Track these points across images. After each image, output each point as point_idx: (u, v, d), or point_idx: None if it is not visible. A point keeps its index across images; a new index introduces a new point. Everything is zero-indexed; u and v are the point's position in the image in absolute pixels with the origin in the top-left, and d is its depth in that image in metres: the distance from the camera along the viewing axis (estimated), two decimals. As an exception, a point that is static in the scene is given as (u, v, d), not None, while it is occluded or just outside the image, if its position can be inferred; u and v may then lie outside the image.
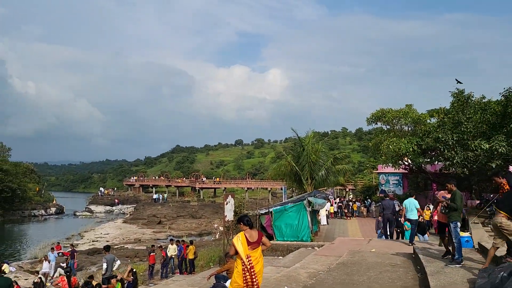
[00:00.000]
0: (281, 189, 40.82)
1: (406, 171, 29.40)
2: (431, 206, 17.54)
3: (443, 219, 8.37)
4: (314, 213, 19.10)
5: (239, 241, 5.74)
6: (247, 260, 5.64)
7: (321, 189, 25.62)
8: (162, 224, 41.56)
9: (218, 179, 74.57)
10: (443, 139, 20.67)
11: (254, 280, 5.64)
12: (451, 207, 7.75)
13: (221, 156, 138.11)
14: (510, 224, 6.38)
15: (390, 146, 23.15)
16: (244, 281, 5.60)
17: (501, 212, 6.49)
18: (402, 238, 14.73)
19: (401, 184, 32.57)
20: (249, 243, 5.73)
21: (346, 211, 29.12)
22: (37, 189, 69.39)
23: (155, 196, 64.44)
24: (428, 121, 25.47)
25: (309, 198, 16.96)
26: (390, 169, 29.44)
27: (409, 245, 11.66)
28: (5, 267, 20.63)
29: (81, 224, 43.58)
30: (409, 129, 26.79)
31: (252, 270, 5.63)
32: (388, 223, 15.15)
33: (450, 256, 8.04)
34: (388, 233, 15.18)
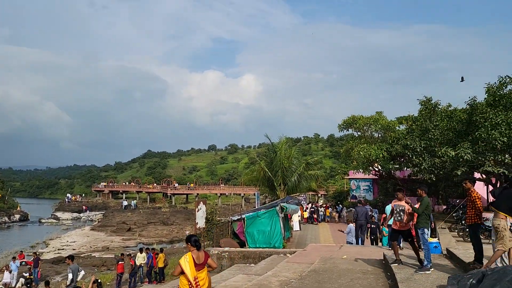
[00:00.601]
0: (254, 194, 40.79)
1: (376, 177, 29.91)
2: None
3: (396, 226, 8.42)
4: (287, 219, 19.06)
5: (186, 262, 5.68)
6: (194, 281, 5.61)
7: (294, 195, 25.68)
8: (132, 231, 40.63)
9: (192, 184, 73.78)
10: (411, 146, 21.14)
11: None
12: (416, 212, 7.91)
13: (194, 161, 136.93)
14: (505, 229, 6.40)
15: (361, 152, 23.50)
16: None
17: (500, 212, 6.51)
18: (376, 245, 14.88)
19: (372, 190, 33.10)
20: (196, 264, 5.68)
21: (315, 216, 29.34)
22: (0, 195, 66.60)
23: (125, 202, 63.04)
24: (397, 128, 26.06)
25: (282, 204, 16.91)
26: (361, 175, 29.89)
27: (388, 249, 11.84)
28: (-37, 278, 19.59)
29: (47, 232, 42.03)
30: (379, 135, 27.31)
31: None
32: (360, 230, 15.31)
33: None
34: (360, 240, 15.35)
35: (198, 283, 5.65)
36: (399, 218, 8.13)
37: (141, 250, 17.19)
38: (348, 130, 27.92)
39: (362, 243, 15.31)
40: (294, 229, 23.33)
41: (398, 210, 8.18)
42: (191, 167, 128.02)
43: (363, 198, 31.26)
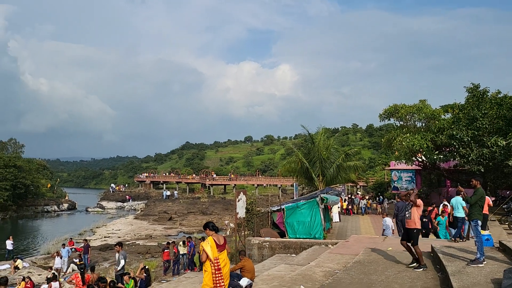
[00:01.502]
0: (292, 186, 40.61)
1: (419, 168, 28.98)
2: (447, 203, 17.19)
3: (406, 224, 8.22)
4: (327, 210, 18.89)
5: (208, 245, 6.08)
6: (215, 262, 6.01)
7: (333, 186, 25.37)
8: (173, 220, 41.67)
9: (233, 175, 74.49)
10: (458, 136, 20.28)
11: (221, 281, 6.04)
12: (469, 202, 7.65)
13: (231, 152, 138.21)
14: None
15: (403, 143, 22.80)
16: (214, 282, 5.96)
17: None
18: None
19: (414, 181, 32.13)
20: (217, 246, 6.09)
21: (350, 207, 29.01)
22: (49, 185, 70.14)
23: (167, 192, 64.49)
24: (443, 116, 25.01)
25: (322, 195, 16.74)
26: (402, 166, 29.05)
27: (462, 240, 11.59)
28: (19, 262, 20.82)
29: (93, 220, 43.90)
30: (423, 125, 26.35)
31: (219, 271, 6.01)
32: (402, 225, 14.95)
33: (416, 263, 7.95)
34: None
35: (219, 264, 6.02)
36: (407, 215, 8.07)
37: (183, 243, 17.56)
38: (389, 119, 27.12)
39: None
40: (334, 220, 23.10)
41: (407, 208, 8.11)
42: (228, 158, 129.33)
43: (405, 190, 30.43)
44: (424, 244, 11.32)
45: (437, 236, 13.99)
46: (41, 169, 73.26)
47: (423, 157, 25.03)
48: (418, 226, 8.09)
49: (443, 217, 13.59)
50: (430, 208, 15.34)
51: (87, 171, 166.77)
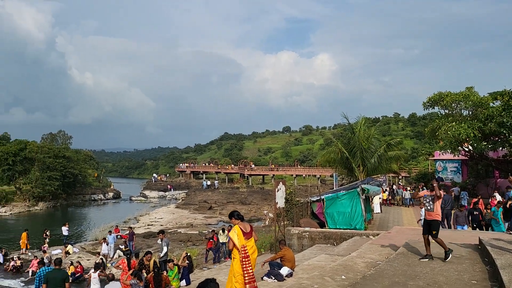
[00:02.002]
0: (331, 176, 40.18)
1: (465, 158, 27.82)
2: (497, 195, 16.45)
3: (428, 216, 8.03)
4: (368, 200, 18.58)
5: (235, 234, 6.25)
6: (243, 249, 6.16)
7: (374, 176, 24.87)
8: (213, 209, 42.46)
9: (273, 165, 74.66)
10: (508, 124, 19.26)
11: (249, 268, 6.19)
12: None
13: (269, 143, 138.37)
14: None
15: (449, 132, 21.93)
16: (243, 269, 6.13)
17: None
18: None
19: (460, 172, 30.89)
20: (244, 233, 6.26)
21: (390, 198, 28.35)
22: (96, 175, 73.34)
23: (208, 182, 65.49)
24: (491, 104, 23.78)
25: (363, 186, 16.48)
26: (448, 156, 27.98)
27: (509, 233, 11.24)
28: (69, 247, 22.01)
29: (137, 209, 45.52)
30: (469, 113, 25.20)
31: (247, 259, 6.15)
32: (446, 218, 14.59)
33: (430, 258, 7.83)
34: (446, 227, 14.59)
35: (246, 251, 6.19)
36: (430, 207, 7.93)
37: (223, 230, 17.88)
38: (433, 108, 26.10)
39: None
40: (375, 211, 22.69)
41: (429, 200, 7.98)
42: (266, 148, 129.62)
43: (450, 181, 29.36)
44: (471, 236, 10.92)
45: (489, 229, 13.41)
46: (87, 159, 76.73)
47: (470, 147, 23.98)
48: (440, 218, 8.03)
49: (498, 208, 13.00)
50: (474, 199, 14.73)
51: (130, 162, 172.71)
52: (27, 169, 50.12)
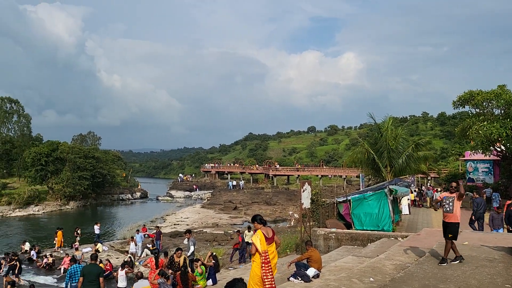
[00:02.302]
0: (357, 177, 39.68)
1: (497, 158, 26.93)
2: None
3: (446, 218, 7.79)
4: (396, 202, 18.27)
5: (257, 239, 6.25)
6: (264, 255, 6.18)
7: (402, 177, 24.42)
8: (238, 209, 42.66)
9: (299, 165, 74.33)
10: (544, 123, 18.53)
11: (269, 273, 6.20)
12: None
13: (294, 143, 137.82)
14: None
15: (480, 131, 21.31)
16: (263, 274, 6.16)
17: None
18: None
19: (492, 172, 29.90)
20: (266, 239, 6.28)
21: (418, 199, 27.76)
22: (124, 175, 74.94)
23: (233, 182, 65.65)
24: (526, 103, 22.92)
25: (391, 186, 16.21)
26: (479, 156, 27.16)
27: None
28: (99, 246, 22.58)
29: (163, 208, 46.25)
30: (502, 112, 24.37)
31: (268, 265, 6.17)
32: (478, 221, 14.19)
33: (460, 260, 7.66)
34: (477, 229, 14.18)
35: (267, 257, 6.20)
36: (448, 208, 7.74)
37: (249, 229, 17.95)
38: (463, 107, 25.39)
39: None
40: (403, 213, 22.28)
41: (448, 201, 7.76)
42: (291, 149, 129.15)
43: (482, 182, 28.49)
44: (504, 239, 10.58)
45: None
46: (116, 159, 78.42)
47: (502, 147, 23.20)
48: (458, 219, 7.77)
49: None
50: (508, 201, 14.24)
51: (157, 162, 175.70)
52: (58, 169, 51.57)
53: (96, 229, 25.75)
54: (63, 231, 24.74)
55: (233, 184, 64.24)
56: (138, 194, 64.14)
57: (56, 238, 24.08)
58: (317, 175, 65.15)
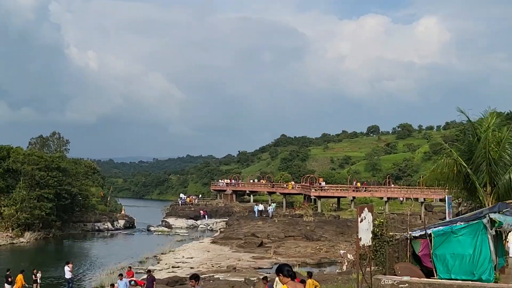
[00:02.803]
0: (442, 200, 39.10)
1: None
2: None
3: None
4: (500, 238, 17.90)
5: None
6: None
7: (510, 201, 23.92)
8: (265, 246, 42.69)
9: (359, 183, 73.77)
10: None
11: None
12: None
13: (347, 150, 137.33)
14: None
15: None
16: None
17: None
18: None
19: None
20: None
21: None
22: (101, 194, 76.30)
23: (259, 207, 64.97)
24: None
25: (492, 215, 15.92)
26: None
27: None
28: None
29: (157, 243, 46.73)
30: None
31: None
32: None
33: None
34: None
35: None
36: None
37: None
38: None
39: None
40: (510, 255, 21.86)
41: None
42: (343, 158, 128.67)
43: None
44: None
45: None
46: (90, 172, 79.93)
47: None
48: None
49: None
50: None
51: (148, 176, 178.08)
52: (9, 186, 52.50)
53: (67, 271, 26.23)
54: (25, 274, 25.27)
55: (259, 209, 63.97)
56: (122, 222, 65.19)
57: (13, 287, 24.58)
58: (382, 198, 64.50)
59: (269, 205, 67.29)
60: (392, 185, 74.49)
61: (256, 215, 62.10)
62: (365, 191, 68.92)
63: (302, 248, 41.86)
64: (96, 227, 61.05)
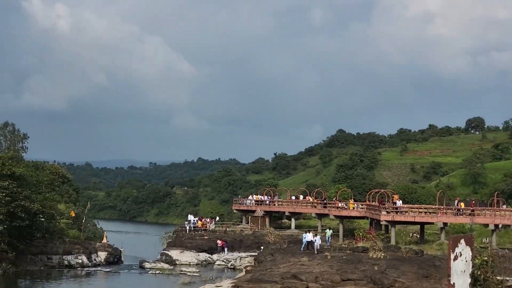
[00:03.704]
0: None
1: None
2: None
3: None
4: None
5: None
6: None
7: None
8: (311, 295, 42.61)
9: (462, 204, 73.02)
10: None
11: None
12: None
13: (435, 154, 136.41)
14: None
15: None
16: None
17: None
18: None
19: None
20: None
21: None
22: (72, 214, 76.91)
23: (307, 237, 63.84)
24: None
25: None
26: None
27: None
28: None
29: (155, 287, 46.94)
30: None
31: None
32: None
33: None
34: None
35: None
36: None
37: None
38: None
39: None
40: None
41: None
42: (429, 165, 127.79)
43: None
44: None
45: None
46: (58, 182, 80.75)
47: None
48: None
49: None
50: None
51: (142, 189, 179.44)
52: None
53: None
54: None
55: (308, 240, 62.56)
56: (103, 255, 65.69)
57: None
58: (487, 225, 63.85)
59: (313, 234, 65.17)
60: (504, 206, 73.58)
61: (303, 248, 60.98)
62: (453, 214, 68.09)
63: (368, 297, 41.73)
64: (66, 262, 61.26)
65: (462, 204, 71.68)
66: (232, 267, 61.44)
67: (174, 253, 67.73)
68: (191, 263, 63.86)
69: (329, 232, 64.96)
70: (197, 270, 59.79)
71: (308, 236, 62.76)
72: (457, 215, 67.67)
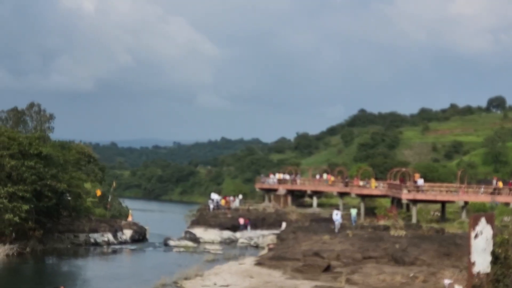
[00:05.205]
0: None
1: None
2: None
3: None
4: None
5: None
6: None
7: None
8: (333, 272, 42.48)
9: (501, 183, 72.05)
10: None
11: None
12: None
13: (457, 133, 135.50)
14: None
15: None
16: None
17: None
18: None
19: None
20: None
21: None
22: (99, 193, 77.16)
23: (336, 216, 62.51)
24: None
25: None
26: None
27: None
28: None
29: (179, 264, 47.00)
30: None
31: None
32: None
33: None
34: None
35: None
36: None
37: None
38: None
39: None
40: None
41: None
42: (451, 143, 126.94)
43: None
44: None
45: None
46: (84, 161, 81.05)
47: None
48: None
49: None
50: None
51: (166, 168, 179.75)
52: (-29, 180, 53.48)
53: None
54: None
55: (338, 218, 60.94)
56: (128, 233, 66.03)
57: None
58: (509, 204, 63.34)
59: (335, 212, 63.89)
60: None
61: (337, 230, 58.96)
62: (474, 192, 67.53)
63: (388, 275, 41.44)
64: (92, 240, 61.76)
65: (501, 183, 71.06)
66: (255, 244, 61.55)
67: (198, 231, 67.92)
68: (214, 241, 64.05)
69: (354, 212, 64.20)
70: (221, 248, 60.05)
71: (337, 214, 60.85)
72: (470, 192, 67.31)
